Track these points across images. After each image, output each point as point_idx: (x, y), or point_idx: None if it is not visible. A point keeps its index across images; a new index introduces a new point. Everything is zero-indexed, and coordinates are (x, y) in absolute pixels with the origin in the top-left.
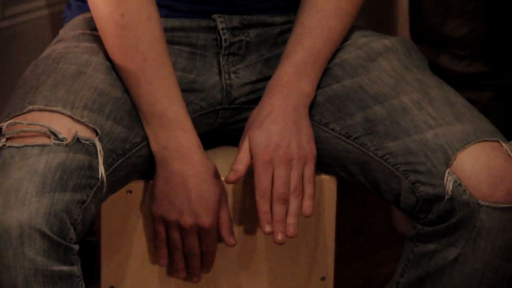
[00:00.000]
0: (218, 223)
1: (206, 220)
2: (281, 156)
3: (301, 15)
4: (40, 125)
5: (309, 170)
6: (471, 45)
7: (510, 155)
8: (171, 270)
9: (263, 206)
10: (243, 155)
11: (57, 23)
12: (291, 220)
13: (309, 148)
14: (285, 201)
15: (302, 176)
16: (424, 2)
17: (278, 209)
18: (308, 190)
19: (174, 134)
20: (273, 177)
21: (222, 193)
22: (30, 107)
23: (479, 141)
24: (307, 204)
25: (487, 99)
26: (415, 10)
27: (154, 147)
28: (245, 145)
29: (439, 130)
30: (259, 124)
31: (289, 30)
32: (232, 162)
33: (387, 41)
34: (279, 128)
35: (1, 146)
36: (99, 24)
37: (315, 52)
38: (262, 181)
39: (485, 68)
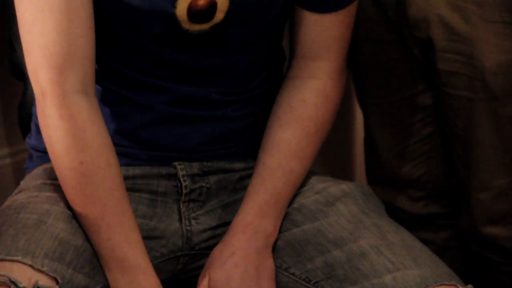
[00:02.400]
0: None
1: None
2: None
3: (262, 155)
4: (0, 275)
5: None
6: (426, 186)
7: None
8: None
9: None
10: None
11: (19, 172)
12: None
13: None
14: None
15: None
16: (380, 146)
17: None
18: None
19: (135, 279)
20: None
21: None
22: None
23: (437, 285)
24: None
25: (443, 240)
26: (371, 154)
27: None
28: (204, 283)
29: (398, 274)
30: (220, 265)
31: (248, 176)
32: None
33: (344, 186)
34: (239, 272)
35: None
36: (59, 172)
37: (276, 193)
38: None
39: (441, 209)
